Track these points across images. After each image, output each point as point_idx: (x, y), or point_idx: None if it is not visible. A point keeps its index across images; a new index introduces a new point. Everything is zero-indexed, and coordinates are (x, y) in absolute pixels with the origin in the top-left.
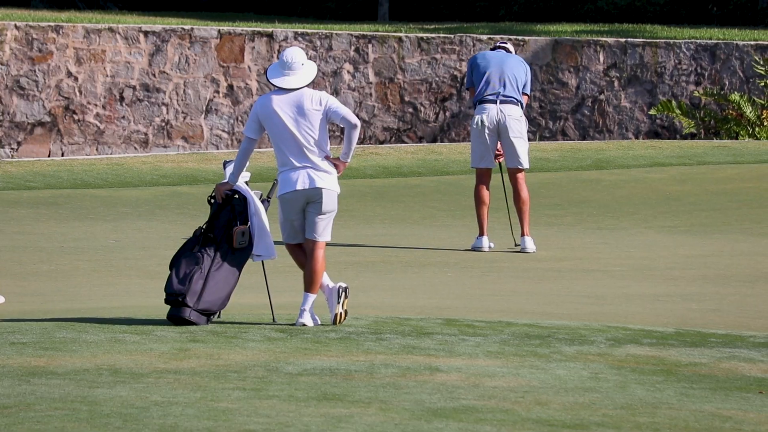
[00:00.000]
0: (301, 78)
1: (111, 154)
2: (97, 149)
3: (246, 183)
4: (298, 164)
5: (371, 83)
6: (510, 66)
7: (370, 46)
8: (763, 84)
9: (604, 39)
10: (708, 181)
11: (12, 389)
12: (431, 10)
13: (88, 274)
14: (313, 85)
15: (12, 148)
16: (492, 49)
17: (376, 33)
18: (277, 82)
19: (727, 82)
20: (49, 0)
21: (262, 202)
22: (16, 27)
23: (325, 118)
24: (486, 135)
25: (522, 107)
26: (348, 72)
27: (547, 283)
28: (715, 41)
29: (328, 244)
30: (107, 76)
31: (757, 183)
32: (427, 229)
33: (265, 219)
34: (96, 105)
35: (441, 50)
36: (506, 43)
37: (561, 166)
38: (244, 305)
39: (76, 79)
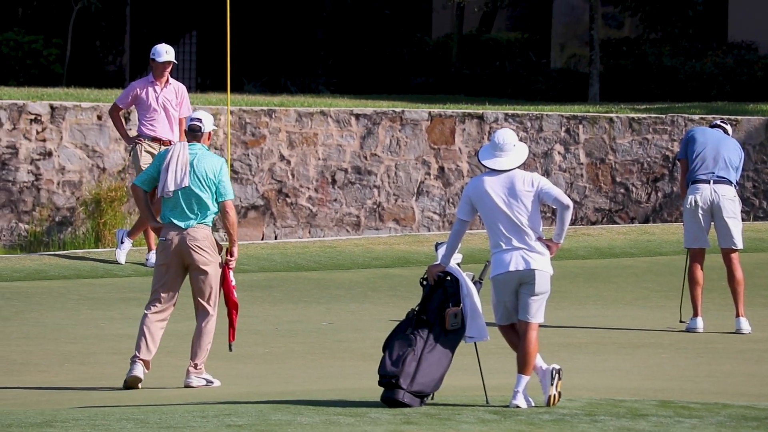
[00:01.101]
0: (512, 159)
1: (323, 236)
2: (309, 232)
3: (458, 265)
4: (510, 245)
5: (582, 164)
6: (726, 147)
7: (580, 126)
8: None
9: None
10: None
11: None
12: (642, 91)
13: (302, 357)
14: (525, 166)
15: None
16: (710, 127)
17: (587, 114)
18: (489, 163)
19: None
20: (262, 84)
21: (475, 283)
22: (230, 111)
23: (537, 200)
24: (699, 215)
25: (736, 188)
26: (559, 153)
27: (764, 364)
28: None
29: (540, 326)
30: (319, 159)
31: None
32: (641, 309)
33: (477, 300)
34: (308, 188)
35: (652, 130)
36: (725, 123)
37: None
38: (457, 387)
39: (288, 162)
